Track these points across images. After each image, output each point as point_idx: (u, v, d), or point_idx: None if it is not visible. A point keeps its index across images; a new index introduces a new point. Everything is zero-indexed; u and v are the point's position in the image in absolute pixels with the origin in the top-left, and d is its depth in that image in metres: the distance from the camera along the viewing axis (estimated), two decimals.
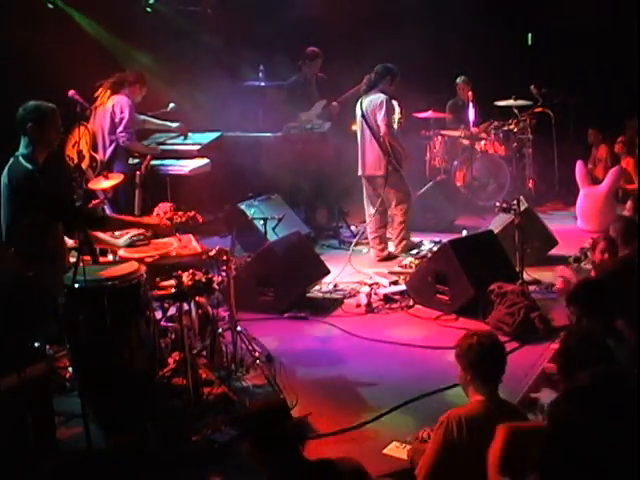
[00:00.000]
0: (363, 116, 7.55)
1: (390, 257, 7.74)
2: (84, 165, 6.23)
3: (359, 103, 7.65)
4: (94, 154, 6.59)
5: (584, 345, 3.48)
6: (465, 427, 3.20)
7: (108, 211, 6.82)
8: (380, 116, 7.40)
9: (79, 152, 5.77)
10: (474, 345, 3.41)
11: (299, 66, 8.86)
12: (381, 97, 7.45)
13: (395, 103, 7.72)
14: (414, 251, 7.73)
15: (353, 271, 7.32)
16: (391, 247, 7.90)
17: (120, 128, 6.89)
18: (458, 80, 10.31)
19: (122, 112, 6.88)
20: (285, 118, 8.72)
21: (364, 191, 7.87)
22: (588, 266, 6.71)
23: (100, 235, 4.86)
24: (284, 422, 3.06)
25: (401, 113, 7.83)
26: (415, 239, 8.04)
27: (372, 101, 7.49)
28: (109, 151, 6.98)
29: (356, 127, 7.82)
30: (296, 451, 3.01)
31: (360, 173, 7.74)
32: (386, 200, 7.71)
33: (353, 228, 8.67)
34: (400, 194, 7.69)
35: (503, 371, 3.47)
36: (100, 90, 6.95)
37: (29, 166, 4.48)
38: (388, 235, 8.00)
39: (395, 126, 7.63)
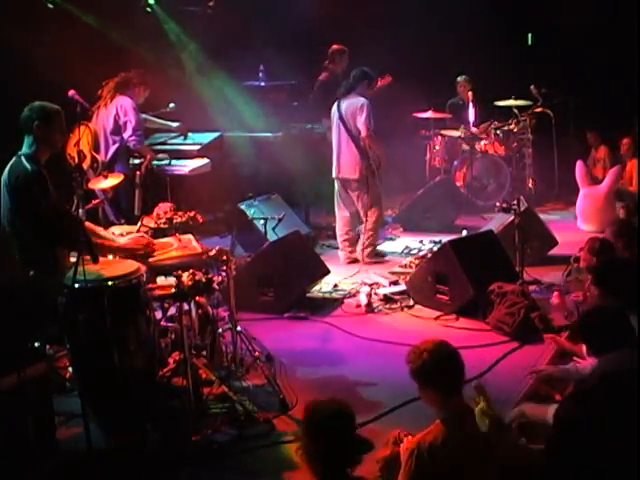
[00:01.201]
0: (341, 118, 7.52)
1: (356, 261, 7.67)
2: (85, 165, 6.22)
3: (336, 105, 7.61)
4: (95, 154, 6.59)
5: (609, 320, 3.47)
6: (437, 453, 3.09)
7: (108, 211, 6.84)
8: (361, 119, 7.36)
9: (79, 152, 5.76)
10: (427, 362, 3.20)
11: (326, 65, 8.88)
12: (361, 100, 7.42)
13: None
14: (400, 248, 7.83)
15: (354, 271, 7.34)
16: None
17: (129, 132, 6.86)
18: (459, 79, 10.32)
19: (126, 115, 6.86)
20: (321, 114, 8.73)
21: (335, 193, 7.81)
22: None
23: (100, 233, 4.87)
24: (350, 431, 2.94)
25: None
26: (384, 247, 8.07)
27: (352, 104, 7.46)
28: (111, 151, 6.97)
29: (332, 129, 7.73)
30: (350, 466, 2.90)
31: (334, 175, 7.71)
32: (357, 203, 7.67)
33: None
34: (373, 198, 7.62)
35: (464, 376, 3.29)
36: (104, 89, 6.94)
37: (29, 168, 4.47)
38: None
39: None
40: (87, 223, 4.89)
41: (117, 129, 6.94)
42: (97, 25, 7.97)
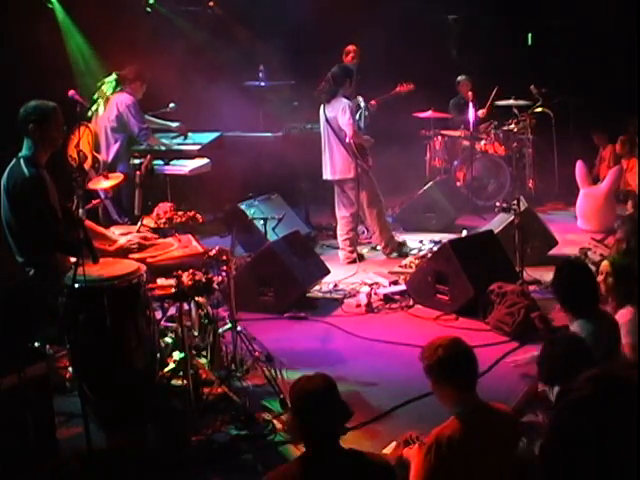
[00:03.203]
0: (327, 122, 7.57)
1: (361, 258, 7.76)
2: (86, 166, 6.21)
3: (322, 109, 7.67)
4: (96, 154, 6.58)
5: (569, 352, 3.43)
6: (456, 447, 3.09)
7: (112, 210, 6.84)
8: (344, 120, 7.41)
9: (79, 152, 5.76)
10: (443, 357, 3.20)
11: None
12: (342, 103, 7.48)
13: (360, 99, 7.77)
14: (406, 249, 7.89)
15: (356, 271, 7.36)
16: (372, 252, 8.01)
17: (135, 128, 6.90)
18: (459, 78, 10.28)
19: (129, 110, 6.89)
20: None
21: (335, 195, 7.87)
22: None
23: (100, 231, 4.89)
24: (333, 401, 2.94)
25: (367, 109, 7.85)
26: (405, 238, 8.17)
27: (335, 108, 7.52)
28: (113, 150, 6.98)
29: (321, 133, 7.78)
30: (336, 435, 2.92)
31: (330, 178, 7.73)
32: (357, 202, 7.71)
33: None
34: (371, 196, 7.71)
35: (478, 372, 3.32)
36: (102, 89, 6.95)
37: (26, 173, 4.45)
38: (366, 235, 8.17)
39: (361, 124, 7.64)
40: (87, 222, 4.90)
41: (119, 127, 6.95)
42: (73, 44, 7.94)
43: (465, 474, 3.12)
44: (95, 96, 6.95)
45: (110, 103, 6.96)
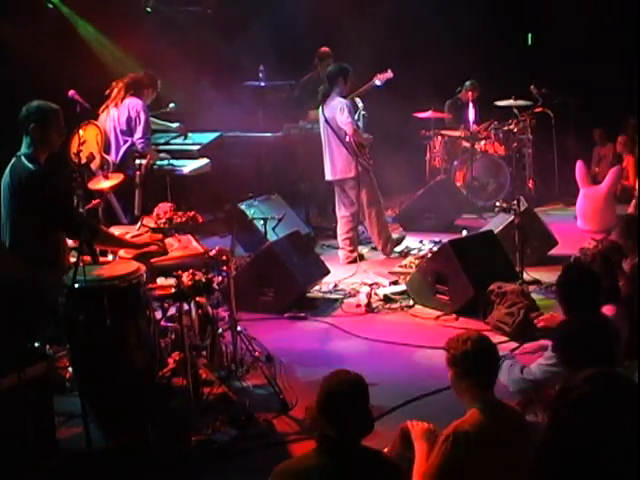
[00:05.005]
0: (327, 122, 7.59)
1: (361, 258, 7.76)
2: (94, 166, 6.20)
3: (320, 110, 7.68)
4: (105, 156, 6.58)
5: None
6: (473, 441, 3.07)
7: (119, 212, 6.85)
8: (343, 119, 7.42)
9: (79, 152, 5.75)
10: (469, 352, 3.23)
11: (315, 65, 8.94)
12: (340, 102, 7.49)
13: (358, 99, 7.78)
14: (401, 247, 7.90)
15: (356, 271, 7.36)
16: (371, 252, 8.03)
17: (139, 134, 6.90)
18: (467, 84, 10.10)
19: (139, 117, 6.89)
20: (295, 116, 8.75)
21: (335, 195, 7.88)
22: None
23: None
24: (364, 404, 2.92)
25: (364, 109, 7.86)
26: (398, 236, 8.16)
27: (333, 107, 7.53)
28: (122, 151, 6.98)
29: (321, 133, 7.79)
30: (357, 440, 2.90)
31: (331, 178, 7.73)
32: (357, 202, 7.71)
33: None
34: (371, 195, 7.71)
35: (498, 371, 3.38)
36: (113, 89, 6.94)
37: (31, 167, 4.49)
38: (366, 235, 8.18)
39: (360, 124, 7.65)
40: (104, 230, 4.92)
41: (128, 130, 6.95)
42: (89, 35, 7.96)
43: (479, 468, 3.11)
44: (110, 93, 6.95)
45: (122, 105, 6.96)
